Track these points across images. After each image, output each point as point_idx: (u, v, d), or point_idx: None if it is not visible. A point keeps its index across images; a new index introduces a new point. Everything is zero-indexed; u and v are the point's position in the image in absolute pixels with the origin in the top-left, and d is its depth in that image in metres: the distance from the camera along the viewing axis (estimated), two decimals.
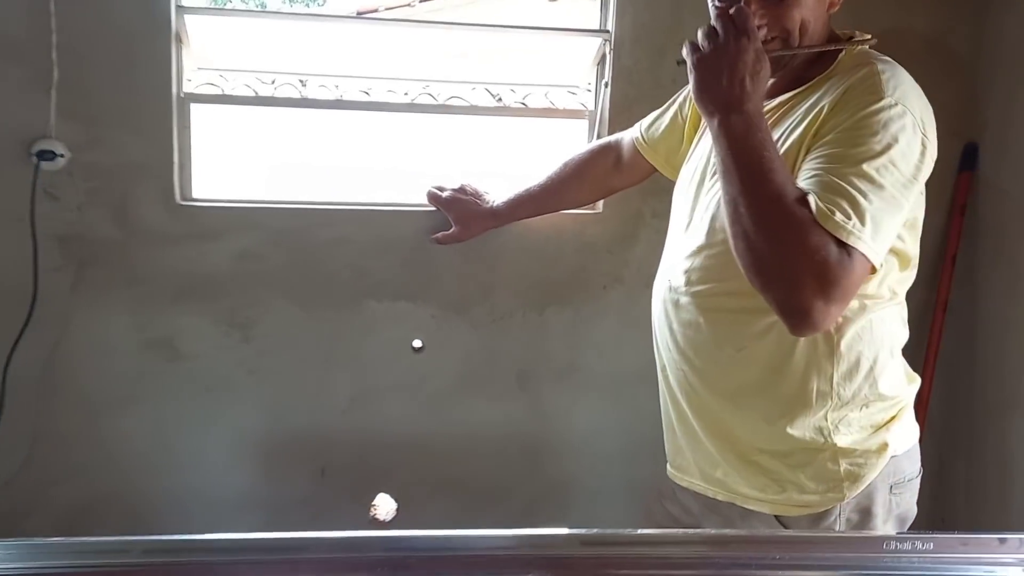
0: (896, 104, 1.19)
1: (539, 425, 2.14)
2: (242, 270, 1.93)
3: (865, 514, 1.37)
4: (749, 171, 1.15)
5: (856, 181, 1.14)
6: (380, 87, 2.34)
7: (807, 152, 1.22)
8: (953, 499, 2.28)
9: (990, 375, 2.11)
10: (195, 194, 1.93)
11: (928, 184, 1.95)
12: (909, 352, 1.43)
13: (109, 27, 1.79)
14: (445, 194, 1.93)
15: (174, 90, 1.85)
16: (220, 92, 1.94)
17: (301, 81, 2.15)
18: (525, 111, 2.21)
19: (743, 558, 1.24)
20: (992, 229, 2.13)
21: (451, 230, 1.94)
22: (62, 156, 1.81)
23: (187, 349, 1.95)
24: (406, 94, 2.52)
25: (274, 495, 2.03)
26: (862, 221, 1.12)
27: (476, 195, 1.93)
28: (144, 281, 1.90)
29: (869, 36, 1.32)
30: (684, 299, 1.39)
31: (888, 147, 1.16)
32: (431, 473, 2.09)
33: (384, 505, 1.85)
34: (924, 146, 1.21)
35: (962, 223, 2.13)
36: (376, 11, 5.54)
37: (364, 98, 2.15)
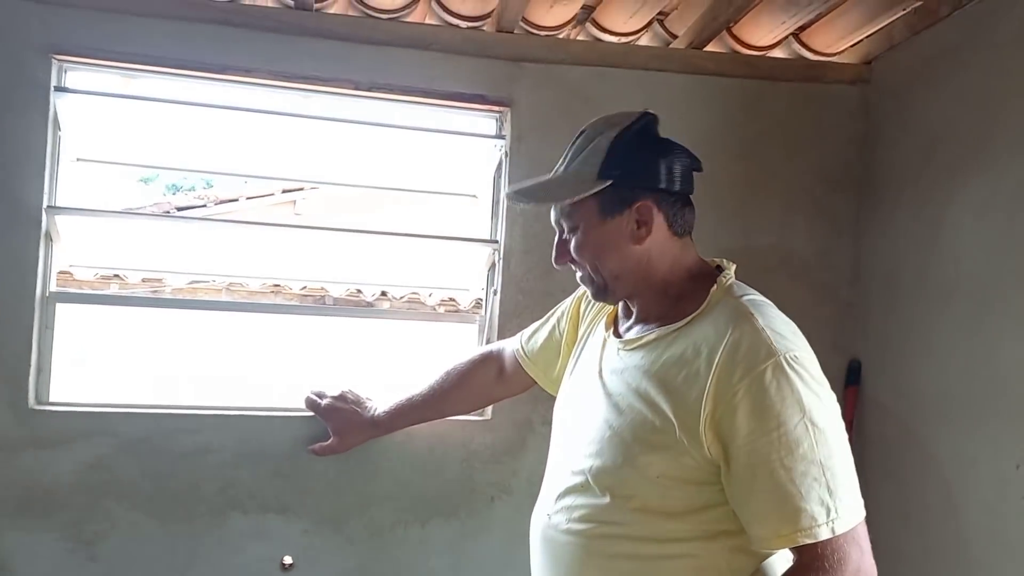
0: (781, 354, 1.16)
1: None
2: (92, 480, 1.78)
3: None
4: None
5: (801, 477, 1.12)
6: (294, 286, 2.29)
7: (711, 424, 1.17)
8: None
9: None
10: (52, 398, 1.80)
11: None
12: None
13: None
14: (324, 402, 1.85)
15: (39, 290, 1.76)
16: (88, 292, 1.86)
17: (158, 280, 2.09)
18: (415, 314, 2.18)
19: None
20: (879, 452, 2.13)
21: (329, 441, 1.84)
22: None
23: (23, 571, 1.75)
24: (304, 288, 2.49)
25: None
26: (836, 505, 1.13)
27: (356, 403, 1.85)
28: None
29: (733, 266, 1.34)
30: (563, 539, 1.32)
31: (802, 415, 1.14)
32: None
33: None
34: (817, 383, 1.19)
35: (851, 439, 2.12)
36: (272, 194, 5.70)
37: (278, 300, 2.09)
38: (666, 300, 1.32)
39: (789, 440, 1.13)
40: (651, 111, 1.34)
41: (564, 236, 1.35)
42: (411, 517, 1.95)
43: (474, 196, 2.11)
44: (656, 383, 1.24)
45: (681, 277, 1.33)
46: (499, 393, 1.83)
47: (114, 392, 1.92)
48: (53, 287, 1.82)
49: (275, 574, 1.87)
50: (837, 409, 1.19)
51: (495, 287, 2.04)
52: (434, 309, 2.27)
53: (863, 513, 1.16)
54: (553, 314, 1.66)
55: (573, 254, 1.34)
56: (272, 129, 1.89)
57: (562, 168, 1.34)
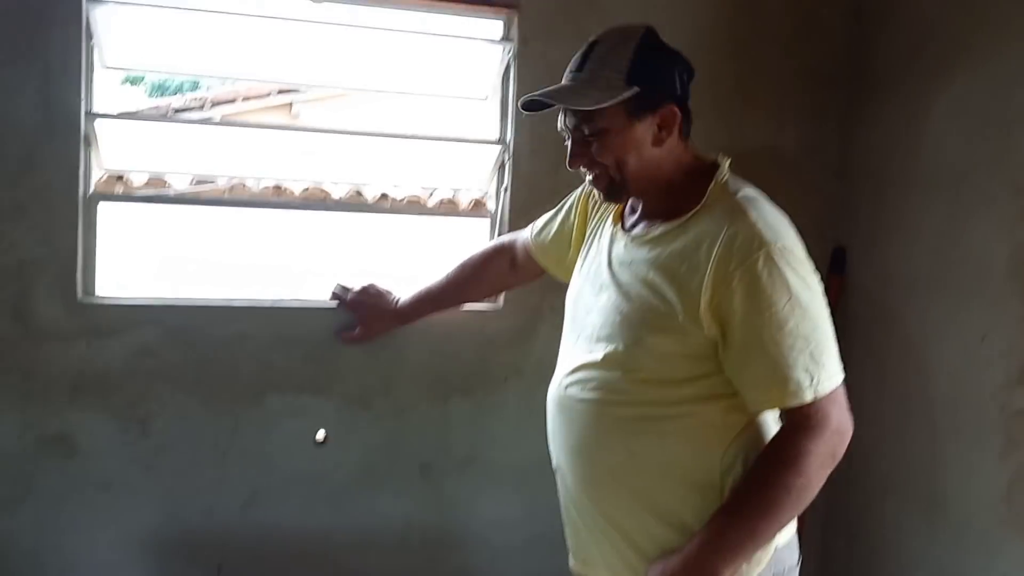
0: (771, 244, 1.30)
1: (441, 517, 2.17)
2: (141, 366, 1.93)
3: None
4: (763, 531, 1.33)
5: (788, 349, 1.28)
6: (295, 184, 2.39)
7: (710, 308, 1.32)
8: None
9: (865, 464, 2.25)
10: (98, 291, 1.94)
11: None
12: None
13: (16, 128, 1.82)
14: (350, 295, 2.00)
15: (81, 190, 1.88)
16: (125, 192, 1.98)
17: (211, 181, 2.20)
18: (431, 209, 2.30)
19: None
20: (861, 330, 2.30)
21: (356, 330, 2.00)
22: None
23: (84, 446, 1.93)
24: (306, 190, 2.60)
25: None
26: (819, 372, 1.29)
27: (380, 295, 2.00)
28: (40, 378, 1.89)
29: (728, 161, 1.46)
30: (577, 406, 1.48)
31: (789, 297, 1.29)
32: (332, 568, 2.09)
33: None
34: (804, 268, 1.33)
35: (836, 320, 2.29)
36: (269, 94, 5.69)
37: (272, 195, 2.21)
38: (670, 197, 1.44)
39: (778, 318, 1.29)
40: (650, 24, 1.44)
41: (584, 137, 1.42)
42: (432, 396, 2.13)
43: (483, 98, 2.21)
44: (661, 273, 1.38)
45: (683, 176, 1.45)
46: (512, 282, 1.98)
47: (157, 285, 2.05)
48: (94, 188, 1.94)
49: (309, 448, 2.06)
50: (820, 289, 1.35)
51: (505, 184, 2.16)
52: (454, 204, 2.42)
53: (841, 377, 1.33)
54: (562, 207, 1.79)
55: (595, 155, 1.42)
56: (276, 35, 1.96)
57: (579, 74, 1.41)
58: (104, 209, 1.93)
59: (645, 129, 1.40)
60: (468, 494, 2.18)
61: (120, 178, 2.41)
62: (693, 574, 1.34)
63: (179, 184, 2.50)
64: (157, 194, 2.03)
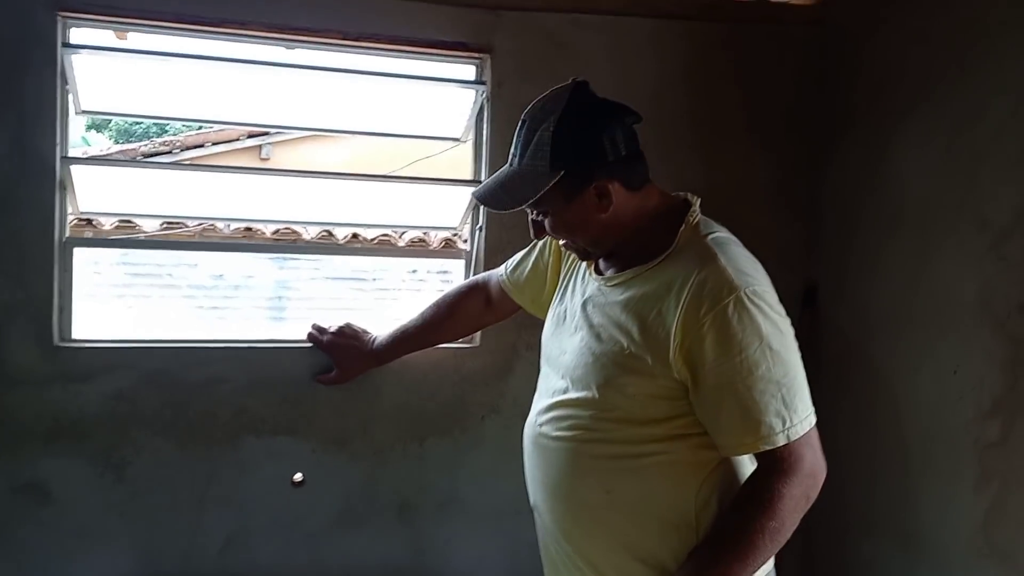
0: (741, 289, 1.32)
1: (420, 559, 2.16)
2: (116, 410, 1.92)
3: None
4: (738, 572, 1.33)
5: (760, 394, 1.30)
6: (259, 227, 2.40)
7: (680, 352, 1.33)
8: None
9: (840, 500, 2.26)
10: (74, 335, 1.93)
11: None
12: None
13: None
14: (326, 337, 2.00)
15: (56, 235, 1.88)
16: (102, 234, 1.98)
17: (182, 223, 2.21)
18: (404, 250, 2.33)
19: None
20: (833, 365, 2.33)
21: (333, 372, 2.01)
22: None
23: (58, 493, 1.90)
24: (276, 232, 2.61)
25: None
26: (791, 415, 1.31)
27: (356, 336, 2.01)
28: (13, 424, 1.87)
29: (698, 200, 1.48)
30: (552, 444, 1.49)
31: (759, 342, 1.30)
32: None
33: None
34: (775, 312, 1.35)
35: (807, 355, 2.32)
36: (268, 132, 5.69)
37: (243, 237, 2.22)
38: (640, 242, 1.45)
39: (749, 363, 1.30)
40: (580, 78, 1.42)
41: (535, 218, 1.47)
42: (410, 436, 2.13)
43: (458, 140, 2.24)
44: (633, 316, 1.40)
45: (650, 221, 1.46)
46: (488, 319, 1.99)
47: (132, 329, 2.05)
48: (68, 233, 1.94)
49: (287, 490, 2.05)
50: (790, 332, 1.37)
51: (480, 224, 2.19)
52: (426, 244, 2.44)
53: (814, 420, 1.35)
54: (535, 244, 1.80)
55: (549, 232, 1.47)
56: (250, 79, 1.98)
57: (517, 162, 1.42)
58: (78, 254, 1.93)
59: (586, 204, 1.41)
60: (447, 534, 2.18)
61: (90, 222, 2.41)
62: None
63: (150, 228, 2.51)
64: (131, 238, 2.03)
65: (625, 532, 1.43)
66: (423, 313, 1.98)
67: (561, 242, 1.54)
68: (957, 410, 1.96)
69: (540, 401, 1.57)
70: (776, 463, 1.32)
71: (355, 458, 2.09)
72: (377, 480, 2.12)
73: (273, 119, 2.38)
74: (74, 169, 1.92)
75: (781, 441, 1.30)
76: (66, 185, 1.91)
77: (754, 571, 1.36)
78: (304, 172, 2.18)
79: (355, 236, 2.83)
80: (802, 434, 1.32)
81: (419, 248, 2.82)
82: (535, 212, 1.45)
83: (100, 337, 1.97)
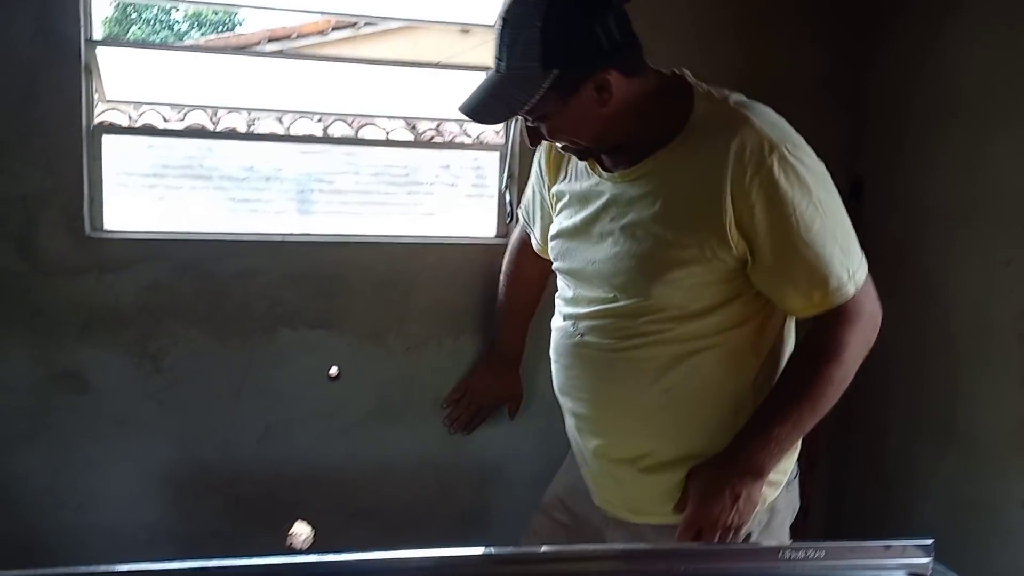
0: (781, 146, 1.27)
1: (454, 451, 2.17)
2: (152, 301, 1.91)
3: (773, 512, 1.49)
4: (807, 423, 1.35)
5: (821, 249, 1.28)
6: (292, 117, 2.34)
7: (735, 226, 1.29)
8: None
9: (881, 397, 2.25)
10: (105, 225, 1.91)
11: None
12: None
13: (13, 58, 1.76)
14: (468, 398, 2.06)
15: (84, 121, 1.83)
16: (131, 123, 1.93)
17: (212, 112, 2.15)
18: (438, 144, 2.26)
19: (651, 571, 1.31)
20: (878, 262, 2.25)
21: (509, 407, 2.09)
22: None
23: (96, 382, 1.91)
24: (319, 120, 2.54)
25: (185, 529, 2.00)
26: (852, 263, 1.31)
27: (487, 374, 2.04)
28: (49, 314, 1.86)
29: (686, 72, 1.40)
30: (603, 354, 1.43)
31: (810, 196, 1.27)
32: (346, 502, 2.09)
33: (300, 533, 1.84)
34: (814, 161, 1.32)
35: None
36: (290, 36, 5.54)
37: (277, 129, 2.16)
38: (647, 128, 1.36)
39: (806, 220, 1.27)
40: None
41: (530, 124, 1.35)
42: (444, 331, 2.12)
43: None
44: (668, 205, 1.33)
45: (653, 102, 1.35)
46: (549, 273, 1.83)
47: (163, 220, 2.02)
48: (97, 119, 1.89)
49: (323, 383, 2.05)
50: (829, 177, 1.33)
51: None
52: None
53: (866, 263, 1.35)
54: (534, 189, 1.68)
55: (548, 136, 1.36)
56: None
57: (504, 66, 1.29)
58: (107, 142, 1.89)
59: (584, 101, 1.30)
60: (480, 429, 2.18)
61: (119, 110, 2.35)
62: (740, 467, 1.35)
63: (179, 118, 2.45)
64: (161, 128, 1.98)
65: (679, 429, 1.42)
66: (508, 300, 1.93)
67: (559, 145, 1.42)
68: (1006, 304, 1.92)
69: (574, 308, 1.49)
70: (840, 313, 1.31)
71: (390, 352, 2.08)
72: (412, 374, 2.11)
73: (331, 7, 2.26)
74: (101, 56, 1.85)
75: (851, 291, 1.30)
76: (92, 70, 1.84)
77: (817, 419, 1.35)
78: (336, 59, 2.10)
79: (387, 129, 2.77)
80: (863, 278, 1.32)
81: (451, 142, 2.74)
82: (528, 119, 1.34)
83: (132, 228, 1.94)
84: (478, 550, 1.40)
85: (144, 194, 1.97)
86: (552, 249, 1.55)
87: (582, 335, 1.46)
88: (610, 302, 1.41)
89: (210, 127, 2.38)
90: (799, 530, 1.64)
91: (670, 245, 1.33)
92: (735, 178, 1.27)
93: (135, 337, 1.92)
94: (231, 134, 2.07)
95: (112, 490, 1.96)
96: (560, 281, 1.56)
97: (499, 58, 1.29)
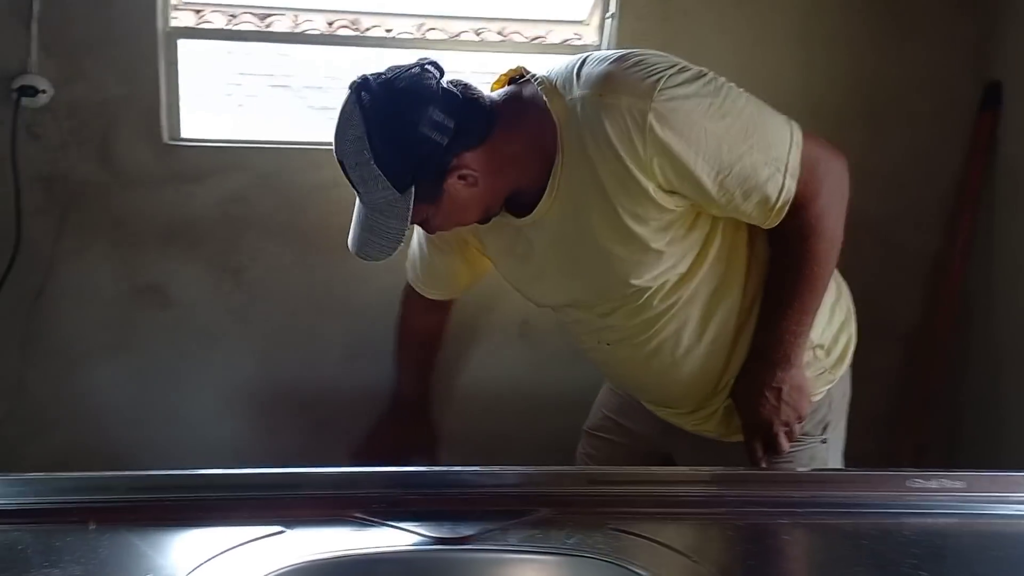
0: (646, 102, 1.14)
1: (540, 375, 2.07)
2: (231, 213, 1.86)
3: (842, 397, 1.45)
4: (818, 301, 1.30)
5: (740, 167, 1.18)
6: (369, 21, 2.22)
7: (660, 192, 1.19)
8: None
9: (987, 340, 2.06)
10: (183, 133, 1.85)
11: (945, 123, 1.88)
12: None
13: None
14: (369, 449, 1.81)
15: (159, 25, 1.77)
16: (208, 27, 1.85)
17: (294, 16, 2.05)
18: (525, 47, 2.11)
19: (758, 497, 1.19)
20: (1011, 175, 2.05)
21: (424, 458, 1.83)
22: (44, 92, 1.74)
23: (178, 296, 1.89)
24: (389, 31, 2.42)
25: (266, 448, 1.97)
26: (780, 158, 1.19)
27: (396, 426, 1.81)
28: (131, 225, 1.84)
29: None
30: (631, 352, 1.37)
31: (704, 130, 1.16)
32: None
33: None
34: (687, 82, 1.18)
35: (983, 164, 2.06)
36: None
37: (352, 33, 2.05)
38: (530, 166, 1.25)
39: (712, 153, 1.16)
40: (356, 80, 1.18)
41: (417, 224, 1.29)
42: None
43: None
44: (596, 217, 1.22)
45: (519, 143, 1.24)
46: (445, 320, 1.77)
47: (242, 129, 1.96)
48: (172, 23, 1.82)
49: None
50: (710, 82, 1.19)
51: (611, 11, 1.96)
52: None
53: (795, 129, 1.22)
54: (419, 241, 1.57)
55: (439, 229, 1.31)
56: None
57: (366, 199, 1.23)
58: (183, 46, 1.82)
59: (455, 192, 1.22)
60: (567, 353, 2.06)
61: (197, 13, 2.29)
62: (767, 364, 1.31)
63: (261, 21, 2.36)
64: (239, 31, 1.90)
65: (735, 358, 1.36)
66: (403, 353, 1.77)
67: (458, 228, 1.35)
68: None
69: (578, 328, 1.44)
70: (797, 203, 1.22)
71: None
72: (497, 293, 2.01)
73: None
74: None
75: (793, 186, 1.21)
76: None
77: (822, 291, 1.31)
78: None
79: (475, 32, 2.63)
80: (799, 158, 1.20)
81: (540, 45, 2.57)
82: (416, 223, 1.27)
83: (211, 136, 1.89)
84: (569, 468, 1.31)
85: (223, 102, 1.90)
86: (521, 291, 1.48)
87: (608, 344, 1.39)
88: (608, 314, 1.34)
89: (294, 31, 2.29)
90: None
91: (627, 239, 1.23)
92: (632, 158, 1.16)
93: (215, 251, 1.88)
94: (311, 37, 1.96)
95: (195, 407, 1.94)
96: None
97: (358, 192, 1.24)
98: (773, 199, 1.21)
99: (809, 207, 1.23)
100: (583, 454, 1.68)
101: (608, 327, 1.36)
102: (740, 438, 1.39)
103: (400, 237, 1.22)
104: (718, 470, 1.28)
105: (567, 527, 1.09)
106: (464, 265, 1.55)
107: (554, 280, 1.36)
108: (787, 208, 1.22)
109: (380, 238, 1.24)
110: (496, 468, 1.20)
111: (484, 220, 1.31)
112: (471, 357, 2.02)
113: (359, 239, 1.27)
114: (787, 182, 1.20)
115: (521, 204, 1.28)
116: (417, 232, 1.55)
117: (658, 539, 1.06)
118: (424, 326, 1.74)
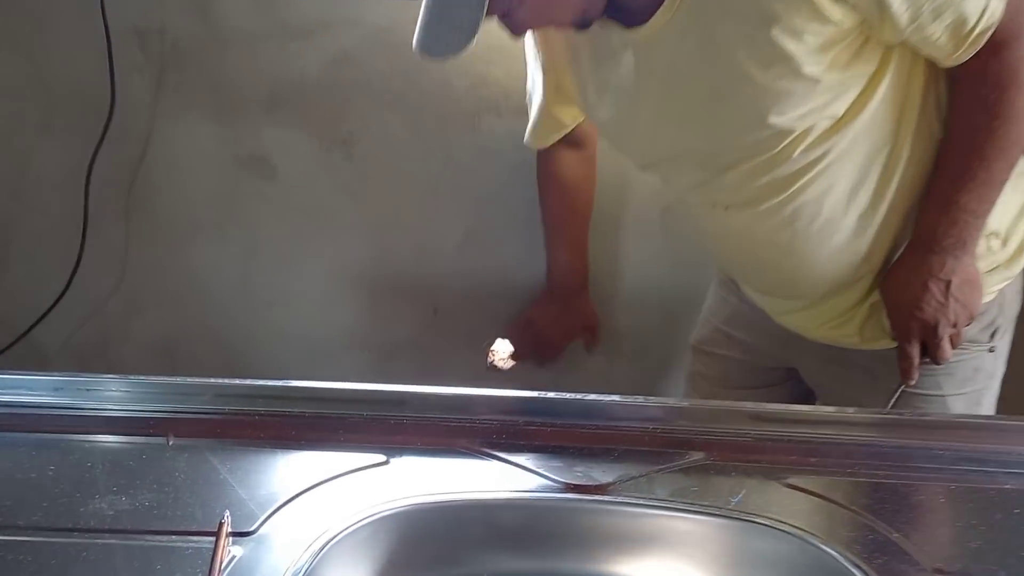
0: None
1: (679, 270, 1.81)
2: (341, 76, 1.66)
3: (1015, 298, 1.25)
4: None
5: None
6: None
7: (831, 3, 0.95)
8: None
9: None
10: None
11: None
12: None
13: None
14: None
15: None
16: None
17: None
18: None
19: (939, 449, 0.95)
20: None
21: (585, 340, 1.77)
22: None
23: (283, 168, 1.72)
24: None
25: (379, 336, 1.83)
26: None
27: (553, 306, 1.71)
28: (231, 87, 1.67)
29: None
30: (755, 222, 1.14)
31: None
32: None
33: (503, 351, 1.62)
34: None
35: None
36: None
37: None
38: None
39: None
40: None
41: (503, 19, 1.05)
42: None
43: None
44: (737, 18, 0.98)
45: None
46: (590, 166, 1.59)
47: None
48: None
49: (531, 184, 1.71)
50: None
51: None
52: None
53: None
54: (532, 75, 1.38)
55: (530, 26, 1.09)
56: None
57: None
58: None
59: None
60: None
61: None
62: (937, 249, 1.09)
63: None
64: None
65: (891, 237, 1.14)
66: (552, 216, 1.64)
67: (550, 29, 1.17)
68: None
69: (686, 189, 1.21)
70: (997, 39, 0.99)
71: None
72: (632, 183, 1.75)
73: None
74: None
75: (999, 9, 0.97)
76: None
77: (1015, 160, 1.07)
78: None
79: None
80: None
81: None
82: (496, 17, 1.03)
83: None
84: (726, 404, 1.10)
85: None
86: (617, 143, 1.30)
87: (725, 208, 1.16)
88: (730, 167, 1.10)
89: None
90: None
91: (765, 86, 1.00)
92: None
93: (323, 118, 1.69)
94: None
95: (304, 289, 1.80)
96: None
97: None
98: (972, 21, 0.97)
99: (1013, 45, 1.00)
100: (694, 373, 1.53)
101: (727, 187, 1.13)
102: (882, 345, 1.19)
103: (473, 30, 1.00)
104: (903, 416, 1.07)
105: (730, 478, 0.90)
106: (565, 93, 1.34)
107: (664, 121, 1.13)
108: (986, 38, 0.99)
109: (449, 29, 1.02)
110: (639, 398, 1.01)
111: (582, 23, 1.08)
112: (602, 243, 1.79)
113: (423, 31, 1.04)
114: (993, 1, 0.97)
115: (631, 12, 1.05)
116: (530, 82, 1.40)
117: (853, 507, 0.85)
118: (567, 181, 1.59)
